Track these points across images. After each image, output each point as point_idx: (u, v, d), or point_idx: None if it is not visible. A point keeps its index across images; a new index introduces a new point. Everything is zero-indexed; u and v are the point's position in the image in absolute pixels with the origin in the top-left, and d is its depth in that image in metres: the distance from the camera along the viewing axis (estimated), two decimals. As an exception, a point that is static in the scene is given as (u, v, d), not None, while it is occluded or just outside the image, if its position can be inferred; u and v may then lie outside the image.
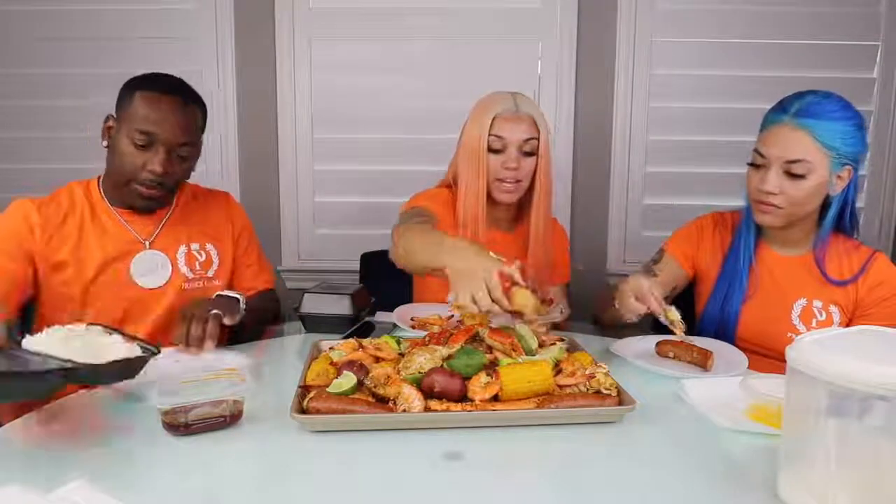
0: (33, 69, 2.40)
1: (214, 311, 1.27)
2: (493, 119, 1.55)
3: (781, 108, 1.35)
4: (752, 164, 1.39)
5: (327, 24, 2.37)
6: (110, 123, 1.45)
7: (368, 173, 2.41)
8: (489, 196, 1.60)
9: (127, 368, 0.97)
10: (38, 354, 0.91)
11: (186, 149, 1.43)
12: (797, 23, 2.32)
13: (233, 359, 1.21)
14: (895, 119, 2.37)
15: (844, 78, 2.29)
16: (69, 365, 0.88)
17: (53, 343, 0.95)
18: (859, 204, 2.39)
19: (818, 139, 1.30)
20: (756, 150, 1.38)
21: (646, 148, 2.41)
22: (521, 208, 1.67)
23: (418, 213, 1.54)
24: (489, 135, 1.55)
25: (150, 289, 1.46)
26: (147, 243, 1.48)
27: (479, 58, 2.36)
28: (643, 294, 1.26)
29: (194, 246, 1.53)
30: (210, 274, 1.54)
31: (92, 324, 1.07)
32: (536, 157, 1.57)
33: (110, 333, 1.05)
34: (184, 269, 1.50)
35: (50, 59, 2.39)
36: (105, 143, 1.44)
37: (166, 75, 1.47)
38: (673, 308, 1.28)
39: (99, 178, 1.51)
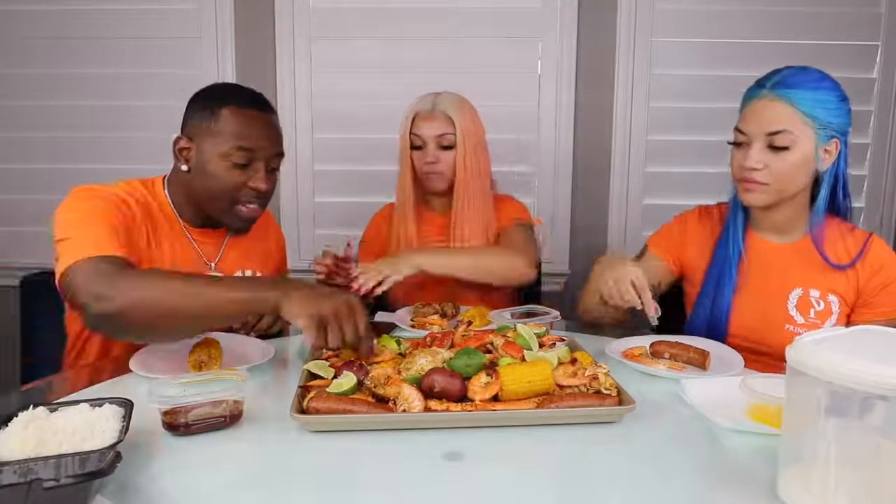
0: (32, 69, 2.40)
1: None
2: (413, 118, 1.72)
3: (758, 83, 1.33)
4: (733, 144, 1.36)
5: (327, 24, 2.38)
6: (184, 144, 1.36)
7: (368, 173, 2.42)
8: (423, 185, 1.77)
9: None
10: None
11: (278, 160, 1.41)
12: (797, 23, 2.32)
13: (252, 347, 1.29)
14: (895, 119, 2.37)
15: (844, 78, 2.25)
16: None
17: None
18: (860, 204, 2.40)
19: (799, 108, 1.27)
20: (737, 129, 1.34)
21: (646, 148, 2.41)
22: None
23: None
24: (410, 133, 1.72)
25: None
26: (213, 265, 1.44)
27: (479, 58, 2.36)
28: (644, 289, 1.25)
29: (248, 273, 1.50)
30: None
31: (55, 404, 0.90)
32: (455, 150, 1.70)
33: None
34: None
35: (49, 59, 2.40)
36: (185, 167, 1.36)
37: (244, 87, 1.43)
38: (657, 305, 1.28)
39: (163, 181, 1.43)
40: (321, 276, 1.52)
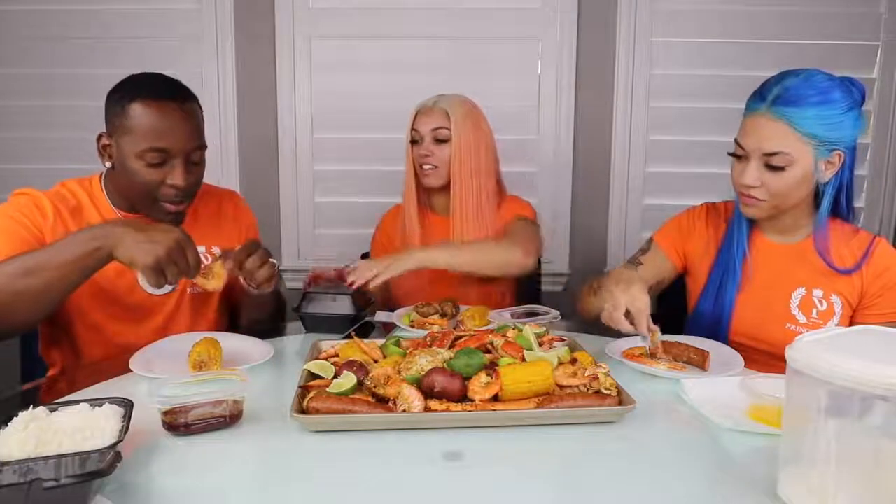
0: (32, 69, 2.40)
1: (273, 261, 1.36)
2: (415, 115, 1.78)
3: (760, 94, 1.30)
4: (733, 155, 1.34)
5: (327, 24, 2.38)
6: (105, 141, 1.33)
7: (368, 173, 2.42)
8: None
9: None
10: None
11: (199, 153, 1.35)
12: (797, 23, 2.32)
13: (252, 346, 1.29)
14: (895, 119, 2.37)
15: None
16: None
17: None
18: (860, 204, 2.40)
19: (797, 129, 1.24)
20: (736, 141, 1.32)
21: (646, 148, 2.41)
22: None
23: None
24: (410, 129, 1.78)
25: (156, 295, 1.41)
26: None
27: (479, 58, 2.36)
28: (639, 317, 1.21)
29: (201, 248, 1.46)
30: None
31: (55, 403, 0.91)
32: (450, 144, 1.73)
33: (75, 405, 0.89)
34: None
35: (49, 59, 2.39)
36: (109, 164, 1.34)
37: (156, 76, 1.36)
38: (658, 329, 1.23)
39: (100, 178, 1.43)
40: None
